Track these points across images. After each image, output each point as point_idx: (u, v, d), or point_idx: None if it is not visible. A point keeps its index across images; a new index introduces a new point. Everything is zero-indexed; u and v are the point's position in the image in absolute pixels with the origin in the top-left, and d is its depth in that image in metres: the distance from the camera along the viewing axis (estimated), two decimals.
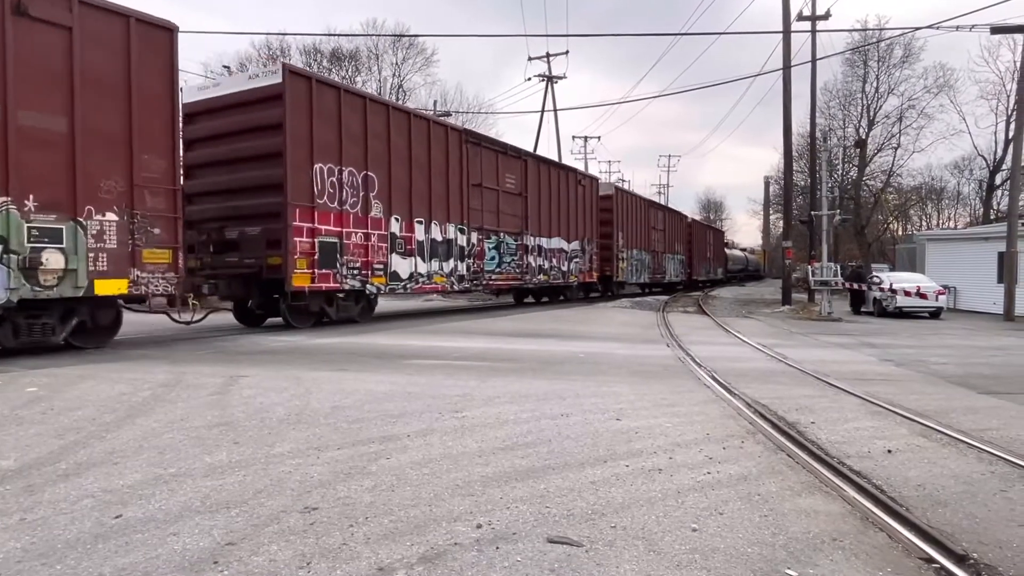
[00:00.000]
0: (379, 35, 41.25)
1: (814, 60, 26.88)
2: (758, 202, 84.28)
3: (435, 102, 39.97)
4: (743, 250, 74.03)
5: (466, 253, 17.90)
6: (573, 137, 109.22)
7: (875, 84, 40.90)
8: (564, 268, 23.76)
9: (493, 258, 19.31)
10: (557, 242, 23.21)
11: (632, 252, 30.16)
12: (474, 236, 18.28)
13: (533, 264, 21.65)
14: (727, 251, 57.97)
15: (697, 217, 63.43)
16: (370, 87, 39.50)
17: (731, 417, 6.15)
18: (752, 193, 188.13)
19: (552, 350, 11.06)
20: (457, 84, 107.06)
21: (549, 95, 43.41)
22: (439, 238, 16.70)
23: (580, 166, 48.32)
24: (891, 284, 21.76)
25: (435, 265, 16.62)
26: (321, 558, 2.99)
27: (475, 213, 18.30)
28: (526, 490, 3.97)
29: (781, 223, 34.37)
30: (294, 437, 5.02)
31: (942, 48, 74.49)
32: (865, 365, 10.30)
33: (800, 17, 26.78)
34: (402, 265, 15.45)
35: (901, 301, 21.08)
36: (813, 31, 26.84)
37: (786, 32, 25.05)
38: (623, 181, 64.99)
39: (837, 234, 33.46)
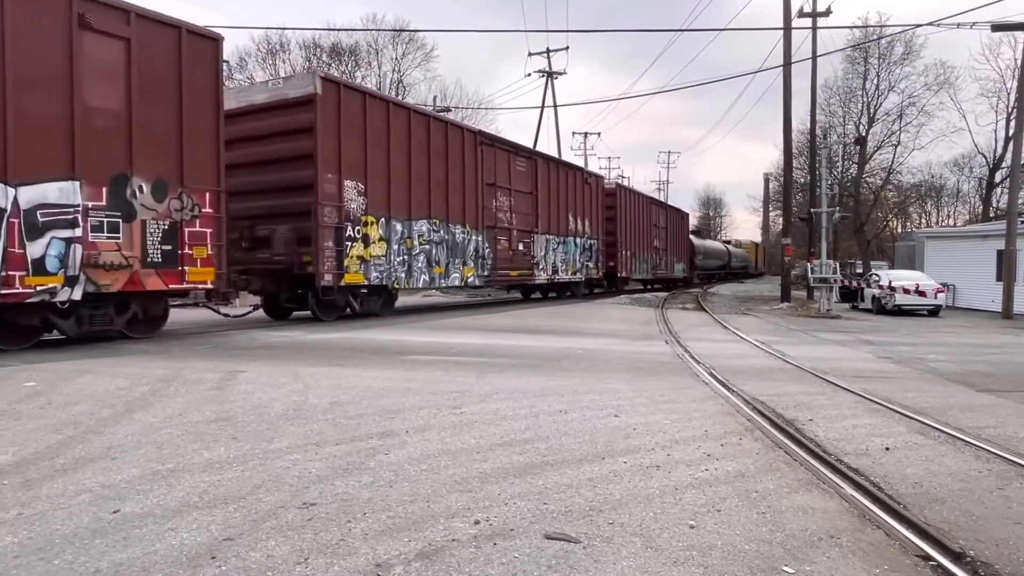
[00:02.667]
0: (379, 30, 41.17)
1: (814, 57, 26.89)
2: (758, 199, 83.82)
3: (435, 97, 39.91)
4: (726, 242, 61.38)
5: None
6: (573, 133, 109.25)
7: (875, 81, 40.80)
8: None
9: None
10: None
11: (413, 226, 15.55)
12: None
13: None
14: (695, 241, 42.47)
15: (697, 215, 57.81)
16: (370, 82, 39.38)
17: (729, 414, 6.16)
18: (752, 190, 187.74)
19: (550, 346, 11.06)
20: (457, 80, 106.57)
21: (549, 91, 43.39)
22: None
23: (580, 162, 47.43)
24: (890, 281, 21.79)
25: None
26: (319, 554, 2.99)
27: None
28: (524, 486, 3.97)
29: (781, 220, 34.22)
30: (292, 433, 5.02)
31: (943, 45, 74.68)
32: (863, 362, 10.31)
33: (801, 14, 26.79)
34: None
35: (900, 299, 21.10)
36: (814, 28, 26.87)
37: (787, 28, 25.00)
38: (623, 178, 58.49)
39: (836, 231, 33.48)
